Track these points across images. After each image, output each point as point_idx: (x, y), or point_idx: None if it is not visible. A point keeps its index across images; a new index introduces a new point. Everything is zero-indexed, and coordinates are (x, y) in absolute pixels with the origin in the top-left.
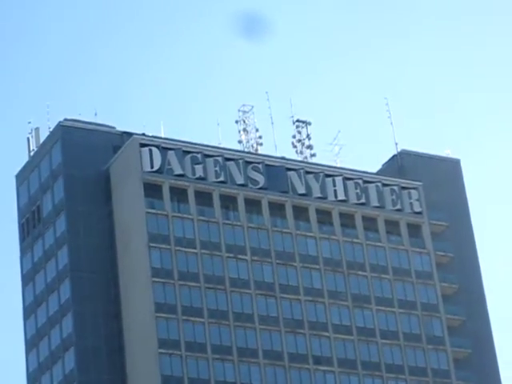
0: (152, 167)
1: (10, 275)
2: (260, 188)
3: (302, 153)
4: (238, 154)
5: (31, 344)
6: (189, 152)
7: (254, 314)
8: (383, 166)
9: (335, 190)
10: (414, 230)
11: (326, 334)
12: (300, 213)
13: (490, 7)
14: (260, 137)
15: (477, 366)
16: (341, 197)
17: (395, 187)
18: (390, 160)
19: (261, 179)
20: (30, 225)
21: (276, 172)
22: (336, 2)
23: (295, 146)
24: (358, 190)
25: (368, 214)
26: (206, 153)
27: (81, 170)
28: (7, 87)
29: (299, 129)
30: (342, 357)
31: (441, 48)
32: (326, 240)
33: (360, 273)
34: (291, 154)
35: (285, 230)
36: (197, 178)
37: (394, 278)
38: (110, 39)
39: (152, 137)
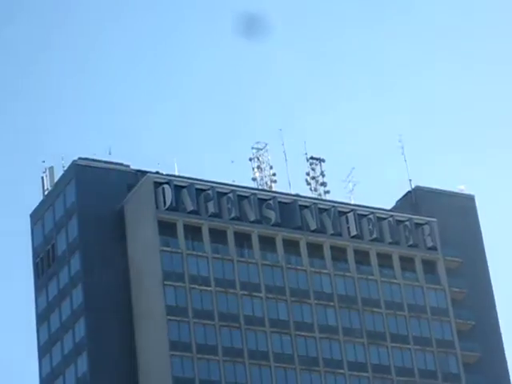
0: (166, 205)
1: (25, 314)
2: (274, 225)
3: (315, 190)
4: (251, 191)
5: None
6: (202, 190)
7: (268, 352)
8: (397, 202)
9: (349, 227)
10: (429, 266)
11: (342, 371)
12: (314, 250)
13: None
14: (274, 174)
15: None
16: (355, 234)
17: (409, 223)
18: (404, 196)
19: (274, 216)
20: (45, 264)
21: (290, 209)
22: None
23: (309, 183)
24: (372, 227)
25: (382, 250)
26: (220, 190)
27: (95, 208)
28: (21, 126)
29: (313, 166)
30: None
31: (454, 82)
32: (341, 277)
33: (375, 309)
34: (305, 191)
35: (299, 267)
36: (210, 216)
37: (409, 314)
38: (122, 76)
39: (166, 175)
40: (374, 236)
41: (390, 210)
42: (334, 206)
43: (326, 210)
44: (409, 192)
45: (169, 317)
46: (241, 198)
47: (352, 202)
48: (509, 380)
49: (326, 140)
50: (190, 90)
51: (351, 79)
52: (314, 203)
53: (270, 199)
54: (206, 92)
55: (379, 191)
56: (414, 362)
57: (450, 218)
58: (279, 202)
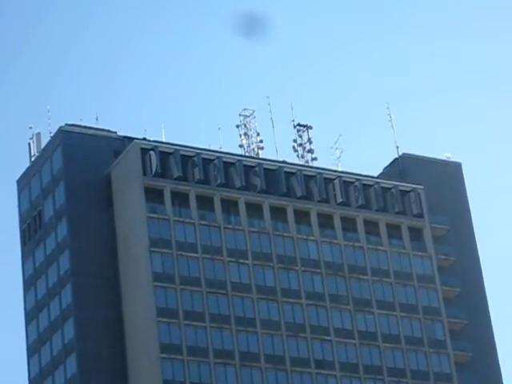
0: (153, 172)
1: (11, 280)
2: (260, 192)
3: (303, 157)
4: (238, 157)
5: (33, 349)
6: (189, 156)
7: (255, 319)
8: (384, 169)
9: (336, 194)
10: (416, 233)
11: (328, 337)
12: (301, 217)
13: (491, 9)
14: (261, 141)
15: (479, 368)
16: (342, 201)
17: (396, 190)
18: (391, 164)
19: (261, 183)
20: (32, 230)
21: (276, 176)
22: (336, 2)
23: (296, 150)
24: (359, 194)
25: (369, 217)
26: (207, 157)
27: (82, 174)
28: (8, 92)
29: (300, 133)
30: (344, 361)
31: (442, 51)
32: (328, 244)
33: (361, 277)
34: (292, 158)
35: (286, 234)
36: (197, 182)
37: (395, 281)
38: (110, 43)
39: (153, 141)
40: (361, 203)
41: (377, 177)
42: (320, 173)
43: (312, 176)
44: (396, 159)
45: (156, 283)
46: (228, 164)
47: (339, 169)
48: (494, 345)
49: (313, 107)
50: (178, 59)
51: (339, 46)
52: (301, 170)
53: (256, 166)
54: (196, 61)
55: (366, 158)
56: (400, 328)
57: (437, 186)
58: (266, 169)
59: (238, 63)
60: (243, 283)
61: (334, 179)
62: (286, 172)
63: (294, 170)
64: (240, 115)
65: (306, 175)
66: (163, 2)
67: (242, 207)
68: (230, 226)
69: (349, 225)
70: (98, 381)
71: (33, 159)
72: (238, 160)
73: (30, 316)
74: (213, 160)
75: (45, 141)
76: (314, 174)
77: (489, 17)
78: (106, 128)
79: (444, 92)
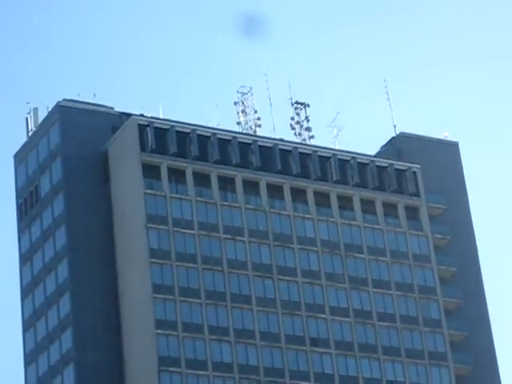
0: (150, 148)
1: (7, 255)
2: (257, 169)
3: (300, 135)
4: (235, 134)
5: (28, 324)
6: (187, 133)
7: (251, 296)
8: (381, 148)
9: (332, 173)
10: (412, 212)
11: (323, 315)
12: (298, 195)
13: None
14: (259, 118)
15: (473, 348)
16: (338, 179)
17: (393, 169)
18: (388, 142)
19: (258, 161)
20: (28, 205)
21: (273, 154)
22: None
23: (294, 128)
24: (356, 173)
25: (366, 196)
26: (204, 134)
27: (79, 150)
28: (5, 67)
29: (298, 111)
30: (339, 339)
31: (440, 30)
32: (324, 222)
33: (357, 255)
34: (290, 136)
35: (283, 212)
36: (194, 159)
37: (391, 260)
38: (108, 21)
39: (150, 117)
40: (358, 182)
41: (374, 156)
42: (317, 151)
43: (309, 154)
44: (393, 138)
45: (152, 259)
46: (225, 141)
47: (336, 148)
48: (489, 325)
49: (310, 85)
50: (177, 38)
51: (336, 24)
52: (298, 148)
53: (253, 143)
54: (194, 41)
55: (364, 137)
56: (395, 307)
57: (434, 165)
58: (263, 147)
59: (237, 43)
60: (239, 260)
61: (331, 157)
62: (282, 150)
63: (290, 148)
64: (238, 92)
65: (302, 153)
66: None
67: (238, 184)
68: (226, 203)
69: (345, 203)
70: (93, 356)
71: (30, 134)
72: (235, 137)
73: (26, 291)
74: (210, 137)
75: (42, 116)
76: (310, 151)
77: None
78: (104, 104)
79: (442, 70)
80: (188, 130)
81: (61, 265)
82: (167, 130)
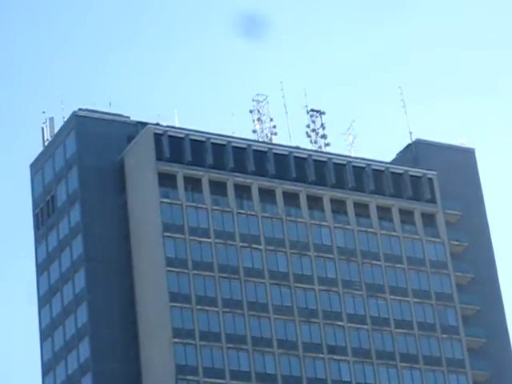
0: (166, 157)
1: (24, 265)
2: (273, 177)
3: (316, 142)
4: (251, 143)
5: (46, 334)
6: (202, 141)
7: (268, 304)
8: (397, 155)
9: (349, 180)
10: (429, 219)
11: (341, 323)
12: (314, 202)
13: None
14: (274, 126)
15: (491, 355)
16: (355, 186)
17: (409, 176)
18: (404, 149)
19: (274, 168)
20: (45, 214)
21: (289, 161)
22: None
23: (309, 136)
24: (372, 180)
25: (382, 203)
26: (220, 142)
27: (95, 159)
28: (22, 77)
29: (313, 118)
30: (357, 346)
31: (455, 36)
32: (341, 229)
33: (374, 262)
34: (305, 144)
35: (299, 220)
36: (210, 167)
37: (408, 267)
38: (124, 31)
39: (166, 126)
40: (374, 189)
41: (390, 163)
42: (333, 159)
43: (325, 162)
44: (409, 145)
45: (168, 268)
46: (241, 150)
47: (352, 155)
48: (507, 331)
49: (326, 92)
50: (191, 47)
51: (351, 31)
52: (314, 156)
53: (269, 151)
54: (207, 50)
55: (379, 144)
56: (412, 314)
57: (450, 171)
58: (279, 155)
59: (251, 51)
60: (256, 268)
61: (347, 164)
62: (298, 157)
63: (306, 156)
64: (253, 100)
65: (318, 161)
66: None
67: (254, 192)
68: (242, 211)
69: (362, 210)
70: (111, 365)
71: (46, 144)
72: (251, 145)
73: (43, 300)
74: (225, 145)
75: (58, 125)
76: (326, 159)
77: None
78: (120, 113)
79: (457, 77)
80: (203, 139)
81: (78, 274)
82: (182, 138)
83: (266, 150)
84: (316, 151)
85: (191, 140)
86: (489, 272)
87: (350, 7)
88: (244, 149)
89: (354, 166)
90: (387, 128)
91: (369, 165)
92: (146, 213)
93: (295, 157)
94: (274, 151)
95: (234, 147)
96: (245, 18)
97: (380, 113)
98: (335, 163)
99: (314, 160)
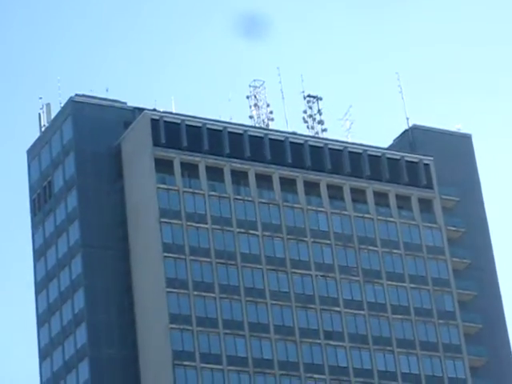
0: (163, 142)
1: (21, 250)
2: (270, 163)
3: (313, 128)
4: (247, 128)
5: (43, 319)
6: (199, 127)
7: (265, 290)
8: (394, 140)
9: (346, 166)
10: (425, 205)
11: (337, 309)
12: (311, 188)
13: None
14: (271, 112)
15: (488, 340)
16: (352, 172)
17: (406, 162)
18: (401, 135)
19: (271, 154)
20: (42, 200)
21: (286, 147)
22: None
23: (306, 121)
24: (369, 165)
25: (379, 188)
26: (216, 128)
27: (92, 145)
28: (18, 63)
29: (310, 104)
30: (353, 332)
31: (452, 22)
32: (337, 215)
33: (371, 248)
34: (302, 130)
35: (296, 205)
36: (207, 153)
37: (405, 253)
38: (120, 17)
39: (163, 112)
40: (371, 174)
41: (387, 149)
42: (330, 144)
43: (322, 148)
44: (406, 130)
45: (165, 254)
46: (237, 135)
47: (349, 140)
48: (504, 317)
49: (323, 78)
50: (188, 34)
51: (348, 16)
52: (311, 141)
53: (266, 137)
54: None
55: (376, 129)
56: (409, 300)
57: (447, 157)
58: (276, 140)
59: (248, 39)
60: (253, 254)
61: (343, 150)
62: (295, 143)
63: (303, 141)
64: (250, 86)
65: (315, 146)
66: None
67: (251, 178)
68: (239, 197)
69: (358, 196)
70: (108, 351)
71: (43, 130)
72: (248, 131)
73: (40, 286)
74: (222, 131)
75: (55, 111)
76: (323, 145)
77: None
78: (116, 99)
79: (454, 63)
80: (200, 124)
81: (74, 260)
82: (179, 124)
83: (262, 135)
84: (313, 137)
85: (188, 126)
86: (486, 257)
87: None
88: (241, 134)
89: (350, 152)
90: (384, 114)
91: (365, 150)
92: (142, 198)
93: (292, 142)
94: (271, 137)
95: (230, 133)
96: (245, 18)
97: (377, 98)
98: (332, 149)
99: (311, 146)
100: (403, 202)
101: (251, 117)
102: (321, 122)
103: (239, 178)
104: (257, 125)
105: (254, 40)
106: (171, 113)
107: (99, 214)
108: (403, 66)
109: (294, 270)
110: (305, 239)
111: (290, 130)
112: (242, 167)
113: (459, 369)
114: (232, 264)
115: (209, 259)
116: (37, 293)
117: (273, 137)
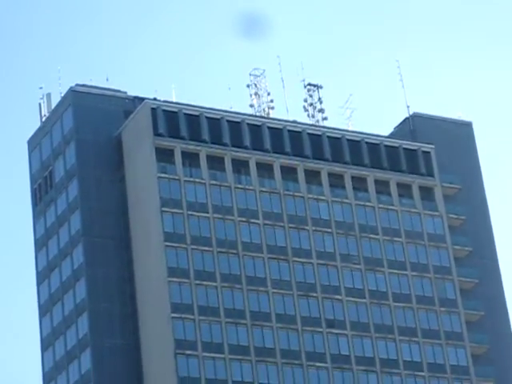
0: (164, 132)
1: (22, 241)
2: (271, 152)
3: (313, 116)
4: (248, 117)
5: (45, 309)
6: (200, 116)
7: (266, 278)
8: (395, 129)
9: (346, 154)
10: (427, 192)
11: (339, 297)
12: (312, 176)
13: None
14: (271, 101)
15: (490, 327)
16: (353, 160)
17: (407, 150)
18: (401, 123)
19: (272, 143)
20: (43, 190)
21: (287, 136)
22: None
23: (307, 110)
24: (370, 154)
25: (380, 177)
26: (217, 116)
27: (92, 135)
28: (18, 53)
29: (311, 92)
30: (355, 320)
31: (452, 8)
32: (339, 203)
33: (372, 236)
34: (303, 118)
35: (297, 194)
36: (208, 142)
37: (406, 241)
38: (120, 6)
39: (163, 101)
40: (372, 163)
41: (388, 137)
42: (330, 133)
43: (322, 136)
44: (406, 118)
45: (166, 243)
46: (238, 124)
47: (350, 129)
48: (505, 304)
49: (323, 66)
50: (189, 22)
51: (349, 4)
52: (311, 130)
53: (267, 125)
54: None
55: (377, 118)
56: (411, 288)
57: (448, 145)
58: (276, 129)
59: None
60: (254, 243)
61: (344, 138)
62: (296, 132)
63: (303, 130)
64: (250, 75)
65: (316, 135)
66: None
67: (252, 167)
68: (240, 186)
69: (359, 184)
70: (110, 340)
71: (43, 120)
72: (248, 119)
73: (42, 276)
74: (223, 119)
75: (55, 101)
76: (324, 133)
77: None
78: (117, 88)
79: (455, 50)
80: (200, 113)
81: (76, 250)
82: (180, 113)
83: (262, 124)
84: (313, 125)
85: (188, 115)
86: (487, 245)
87: None
88: (241, 123)
89: (350, 140)
90: (385, 102)
91: (365, 138)
92: (143, 188)
93: (292, 131)
94: (271, 125)
95: (231, 122)
96: (245, 19)
97: (377, 86)
98: (332, 137)
99: (311, 134)
100: (404, 190)
101: (252, 105)
102: (321, 111)
103: (240, 166)
104: (257, 113)
105: (254, 33)
106: (172, 102)
107: (100, 203)
108: (403, 54)
109: (295, 259)
110: (306, 228)
111: (290, 118)
112: (243, 156)
113: (461, 356)
114: (233, 253)
115: (210, 248)
116: (38, 283)
117: (273, 125)
